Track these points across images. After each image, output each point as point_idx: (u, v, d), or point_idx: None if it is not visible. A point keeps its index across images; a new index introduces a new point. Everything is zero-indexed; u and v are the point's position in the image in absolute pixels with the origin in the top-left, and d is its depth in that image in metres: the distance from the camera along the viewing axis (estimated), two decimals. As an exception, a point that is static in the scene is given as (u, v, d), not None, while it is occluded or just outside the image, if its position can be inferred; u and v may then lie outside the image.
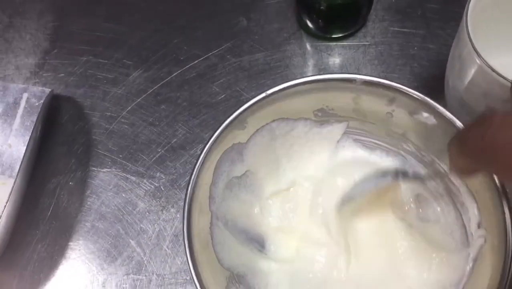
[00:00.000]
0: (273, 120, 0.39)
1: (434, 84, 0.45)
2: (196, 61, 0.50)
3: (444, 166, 0.37)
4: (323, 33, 0.49)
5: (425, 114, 0.36)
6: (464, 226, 0.37)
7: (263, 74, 0.49)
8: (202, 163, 0.35)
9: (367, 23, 0.50)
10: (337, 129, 0.41)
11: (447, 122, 0.35)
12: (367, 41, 0.49)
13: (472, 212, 0.36)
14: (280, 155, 0.41)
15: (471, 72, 0.35)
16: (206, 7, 0.53)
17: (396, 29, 0.49)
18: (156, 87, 0.49)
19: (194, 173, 0.35)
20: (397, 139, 0.40)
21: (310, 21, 0.49)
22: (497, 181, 0.32)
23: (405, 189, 0.39)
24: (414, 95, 0.35)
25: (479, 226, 0.36)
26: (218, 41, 0.51)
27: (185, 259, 0.42)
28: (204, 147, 0.35)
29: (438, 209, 0.38)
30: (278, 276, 0.38)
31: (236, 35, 0.51)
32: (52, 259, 0.44)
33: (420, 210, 0.39)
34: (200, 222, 0.35)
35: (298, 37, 0.50)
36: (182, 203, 0.44)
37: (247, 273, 0.38)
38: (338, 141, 0.41)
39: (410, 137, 0.39)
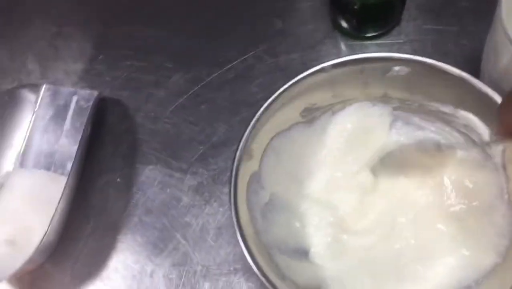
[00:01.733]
0: (271, 139, 0.41)
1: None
2: (234, 62, 0.52)
3: (434, 104, 0.40)
4: (357, 33, 0.51)
5: (396, 68, 0.39)
6: (477, 144, 0.39)
7: (299, 74, 0.50)
8: (235, 207, 0.36)
9: (400, 22, 0.51)
10: (326, 119, 0.43)
11: (417, 63, 0.38)
12: (401, 39, 0.50)
13: (479, 127, 0.38)
14: (291, 167, 0.42)
15: (506, 62, 0.36)
16: (241, 11, 0.55)
17: (430, 26, 0.50)
18: (196, 88, 0.51)
19: (234, 221, 0.36)
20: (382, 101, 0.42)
21: (344, 21, 0.50)
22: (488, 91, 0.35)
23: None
24: (379, 57, 0.39)
25: (491, 137, 0.37)
26: (254, 43, 0.53)
27: (228, 250, 0.44)
28: (230, 192, 0.37)
29: (444, 141, 0.41)
30: (349, 273, 0.39)
31: (271, 37, 0.53)
32: (102, 252, 0.46)
33: None
34: (259, 256, 0.36)
35: (333, 37, 0.52)
36: (225, 197, 0.46)
37: (321, 285, 0.39)
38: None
39: (391, 94, 0.41)
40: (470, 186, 0.40)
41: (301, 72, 0.50)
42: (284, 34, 0.52)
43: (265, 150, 0.41)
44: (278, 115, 0.40)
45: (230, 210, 0.37)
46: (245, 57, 0.52)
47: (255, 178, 0.40)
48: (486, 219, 0.38)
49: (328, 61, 0.50)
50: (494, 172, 0.38)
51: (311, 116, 0.43)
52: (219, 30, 0.54)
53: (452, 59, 0.49)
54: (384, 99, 0.42)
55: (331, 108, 0.43)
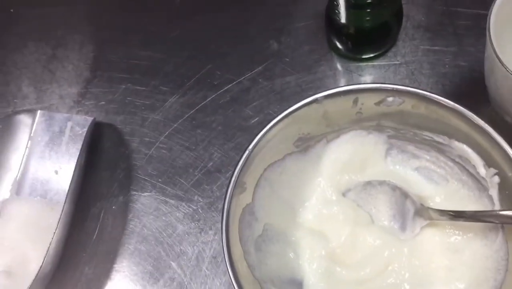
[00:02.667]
0: (265, 170, 0.41)
1: (468, 101, 0.45)
2: (230, 85, 0.52)
3: (428, 134, 0.40)
4: (353, 54, 0.50)
5: (390, 99, 0.38)
6: (472, 175, 0.39)
7: (295, 97, 0.50)
8: (227, 239, 0.36)
9: (397, 42, 0.50)
10: (320, 148, 0.43)
11: (411, 95, 0.38)
12: (398, 60, 0.50)
13: (473, 159, 0.38)
14: (285, 196, 0.42)
15: (505, 84, 0.36)
16: (236, 32, 0.54)
17: (427, 47, 0.50)
18: (191, 112, 0.51)
19: (226, 255, 0.36)
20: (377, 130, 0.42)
21: (340, 43, 0.50)
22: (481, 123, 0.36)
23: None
24: (372, 88, 0.39)
25: (485, 168, 0.37)
26: (250, 65, 0.52)
27: (224, 280, 0.44)
28: (222, 223, 0.37)
29: (439, 170, 0.41)
30: None
31: (267, 58, 0.52)
32: (98, 280, 0.46)
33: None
34: None
35: (329, 59, 0.51)
36: (219, 225, 0.46)
37: None
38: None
39: (385, 123, 0.41)
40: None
41: (297, 95, 0.50)
42: (280, 56, 0.52)
43: (258, 181, 0.41)
44: (271, 146, 0.40)
45: (222, 245, 0.36)
46: (240, 79, 0.52)
47: (249, 210, 0.40)
48: (481, 252, 0.38)
49: (323, 83, 0.50)
50: (489, 204, 0.38)
51: (305, 145, 0.43)
52: (215, 53, 0.53)
53: (449, 81, 0.48)
54: (378, 128, 0.42)
55: (326, 137, 0.43)
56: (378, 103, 0.39)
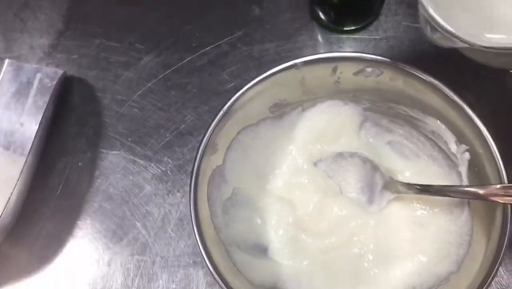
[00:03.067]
0: (238, 133, 0.40)
1: (445, 79, 0.46)
2: (208, 48, 0.50)
3: (403, 108, 0.40)
4: (335, 26, 0.49)
5: (369, 69, 0.38)
6: (443, 151, 0.39)
7: (273, 64, 0.48)
8: (194, 199, 0.36)
9: (379, 17, 0.50)
10: (295, 116, 0.42)
11: (390, 67, 0.37)
12: (379, 35, 0.49)
13: (445, 135, 0.38)
14: (257, 161, 0.42)
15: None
16: (219, -5, 0.53)
17: (408, 24, 0.49)
18: (167, 72, 0.50)
19: (192, 214, 0.35)
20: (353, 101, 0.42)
21: (323, 13, 0.49)
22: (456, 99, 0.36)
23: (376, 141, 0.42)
24: (352, 56, 0.38)
25: (457, 144, 0.38)
26: (230, 29, 0.51)
27: (189, 242, 0.44)
28: (190, 183, 0.36)
29: (411, 145, 0.41)
30: (306, 273, 0.39)
31: (248, 23, 0.51)
32: (60, 236, 0.45)
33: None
34: (216, 253, 0.36)
35: (310, 29, 0.50)
36: (188, 188, 0.45)
37: (277, 282, 0.39)
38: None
39: (361, 95, 0.41)
40: None
41: (275, 63, 0.49)
42: (261, 22, 0.51)
43: (231, 144, 0.40)
44: (246, 109, 0.40)
45: (189, 205, 0.36)
46: (219, 43, 0.50)
47: (219, 172, 0.39)
48: (445, 227, 0.38)
49: (302, 53, 0.49)
50: (457, 181, 0.38)
51: (280, 112, 0.42)
52: (195, 13, 0.52)
53: (428, 58, 0.48)
54: (355, 99, 0.42)
55: (301, 105, 0.42)
56: (356, 73, 0.39)
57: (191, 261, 0.43)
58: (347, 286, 0.38)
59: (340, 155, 0.42)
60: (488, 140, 0.34)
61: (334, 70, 0.39)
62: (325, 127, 0.42)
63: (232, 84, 0.49)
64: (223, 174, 0.40)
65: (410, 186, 0.38)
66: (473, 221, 0.37)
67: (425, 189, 0.37)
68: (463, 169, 0.37)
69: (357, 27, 0.49)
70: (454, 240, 0.37)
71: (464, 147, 0.37)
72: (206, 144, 0.37)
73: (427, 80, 0.37)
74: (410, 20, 0.49)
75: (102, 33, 0.52)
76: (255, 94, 0.39)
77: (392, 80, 0.38)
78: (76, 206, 0.46)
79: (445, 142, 0.38)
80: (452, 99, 0.36)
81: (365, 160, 0.41)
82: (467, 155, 0.37)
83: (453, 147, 0.38)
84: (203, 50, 0.50)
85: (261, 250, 0.40)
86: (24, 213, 0.46)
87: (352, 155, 0.42)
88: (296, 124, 0.42)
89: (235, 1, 0.52)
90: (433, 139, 0.39)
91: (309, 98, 0.42)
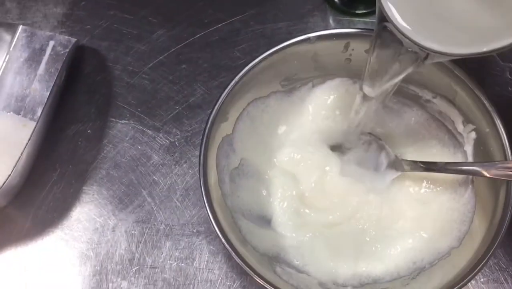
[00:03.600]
0: (248, 104, 0.41)
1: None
2: (220, 25, 0.51)
3: (412, 87, 0.40)
4: (347, 8, 0.50)
5: None
6: (449, 131, 0.40)
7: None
8: (204, 163, 0.36)
9: (391, 2, 0.50)
10: (305, 91, 0.43)
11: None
12: (390, 20, 0.50)
13: (453, 115, 0.39)
14: (264, 134, 0.42)
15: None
16: (234, -27, 0.53)
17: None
18: (178, 46, 0.50)
19: (201, 176, 0.36)
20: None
21: (336, -5, 0.50)
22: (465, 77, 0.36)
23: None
24: (366, 33, 0.38)
25: (464, 124, 0.38)
26: (243, 7, 0.51)
27: (193, 212, 0.44)
28: (201, 147, 0.37)
29: (417, 125, 0.41)
30: (309, 245, 0.39)
31: (261, 3, 0.51)
32: (66, 201, 0.45)
33: None
34: (222, 218, 0.36)
35: (322, 10, 0.51)
36: (196, 159, 0.46)
37: (279, 252, 0.39)
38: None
39: None
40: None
41: (286, 41, 0.49)
42: (273, 1, 0.51)
43: (240, 114, 0.41)
44: (257, 81, 0.40)
45: (199, 169, 0.36)
46: (231, 20, 0.51)
47: (228, 141, 0.40)
48: (448, 205, 0.39)
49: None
50: (462, 159, 0.39)
51: (291, 86, 0.43)
52: (208, -10, 0.52)
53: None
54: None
55: (312, 81, 0.43)
56: (368, 51, 0.39)
57: (194, 230, 0.44)
58: (349, 260, 0.39)
59: (347, 133, 0.42)
60: (495, 119, 0.35)
61: (346, 46, 0.39)
62: (333, 105, 0.43)
63: (243, 61, 0.49)
64: (232, 143, 0.40)
65: (414, 164, 0.39)
66: (476, 199, 0.37)
67: (429, 167, 0.38)
68: (469, 148, 0.38)
69: (369, 10, 0.50)
70: (457, 217, 0.38)
71: (471, 126, 0.37)
72: (218, 112, 0.38)
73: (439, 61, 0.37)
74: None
75: (116, 5, 0.52)
76: (267, 66, 0.39)
77: (401, 54, 0.38)
78: (83, 172, 0.46)
79: (452, 122, 0.39)
80: (462, 79, 0.36)
81: (371, 140, 0.42)
82: (473, 134, 0.37)
83: (459, 126, 0.38)
84: (215, 27, 0.51)
85: (265, 220, 0.40)
86: (32, 176, 0.46)
87: (358, 135, 0.42)
88: (305, 100, 0.43)
89: (249, -20, 0.53)
90: (440, 120, 0.40)
91: (319, 75, 0.42)
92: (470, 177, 0.38)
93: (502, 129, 0.34)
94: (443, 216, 0.38)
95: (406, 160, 0.40)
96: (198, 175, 0.36)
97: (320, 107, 0.43)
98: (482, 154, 0.37)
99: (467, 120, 0.38)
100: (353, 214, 0.40)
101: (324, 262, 0.38)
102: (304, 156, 0.42)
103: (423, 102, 0.41)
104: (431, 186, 0.39)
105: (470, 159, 0.38)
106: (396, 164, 0.40)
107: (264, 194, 0.41)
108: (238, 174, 0.40)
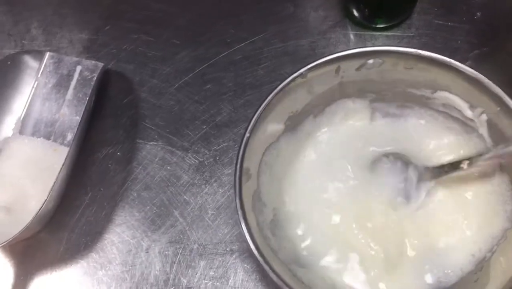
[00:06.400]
0: (263, 154, 0.40)
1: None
2: (243, 44, 0.51)
3: (409, 90, 0.41)
4: (368, 23, 0.51)
5: (370, 61, 0.39)
6: (458, 119, 0.40)
7: (307, 60, 0.50)
8: (248, 231, 0.35)
9: (412, 15, 0.51)
10: (309, 124, 0.43)
11: (389, 53, 0.38)
12: (411, 33, 0.50)
13: (457, 103, 0.39)
14: (281, 178, 0.42)
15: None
16: (253, -7, 0.54)
17: (441, 22, 0.50)
18: (203, 66, 0.51)
19: (250, 243, 0.35)
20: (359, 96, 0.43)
21: (356, 10, 0.50)
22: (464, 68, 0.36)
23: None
24: (353, 53, 0.39)
25: (471, 110, 0.38)
26: (264, 25, 0.52)
27: (225, 231, 0.44)
28: (239, 215, 0.36)
29: (424, 123, 0.42)
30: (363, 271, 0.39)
31: (282, 20, 0.52)
32: (98, 224, 0.46)
33: None
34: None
35: (343, 26, 0.51)
36: (225, 178, 0.46)
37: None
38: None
39: (366, 88, 0.42)
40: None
41: (309, 59, 0.50)
42: (295, 19, 0.52)
43: (259, 166, 0.41)
44: (265, 128, 0.40)
45: (245, 237, 0.36)
46: (253, 39, 0.52)
47: (256, 197, 0.40)
48: (484, 190, 0.39)
49: (336, 49, 0.51)
50: (480, 143, 0.39)
51: (294, 123, 0.43)
52: (230, 11, 0.53)
53: (460, 56, 0.49)
54: (360, 94, 0.42)
55: (312, 112, 0.43)
56: (359, 68, 0.40)
57: (228, 249, 0.44)
58: (415, 278, 0.38)
59: (364, 160, 0.42)
60: (503, 98, 0.35)
61: (337, 70, 0.40)
62: (336, 130, 0.43)
63: (267, 78, 0.50)
64: (260, 197, 0.40)
65: (440, 170, 0.39)
66: (509, 175, 0.38)
67: (457, 167, 0.37)
68: (484, 130, 0.38)
69: (390, 24, 0.50)
70: (497, 199, 0.38)
71: (479, 109, 0.38)
72: (241, 172, 0.37)
73: (428, 56, 0.38)
74: (442, 19, 0.50)
75: (139, 29, 0.53)
76: (270, 113, 0.40)
77: (394, 66, 0.39)
78: (115, 195, 0.47)
79: (459, 111, 0.39)
80: (457, 69, 0.37)
81: (394, 161, 0.42)
82: (484, 116, 0.38)
83: (468, 112, 0.39)
84: (238, 46, 0.51)
85: (314, 261, 0.40)
86: (64, 201, 0.47)
87: (379, 159, 0.42)
88: (310, 133, 0.43)
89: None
90: (445, 112, 0.40)
91: (317, 104, 0.42)
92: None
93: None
94: (484, 202, 0.38)
95: (432, 167, 0.40)
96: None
97: (328, 136, 0.43)
98: (500, 132, 0.37)
99: (473, 106, 0.38)
100: (402, 240, 0.39)
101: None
102: (328, 188, 0.42)
103: (424, 100, 0.41)
104: (461, 180, 0.39)
105: (488, 140, 0.38)
106: (425, 175, 0.40)
107: (303, 234, 0.41)
108: (276, 226, 0.40)
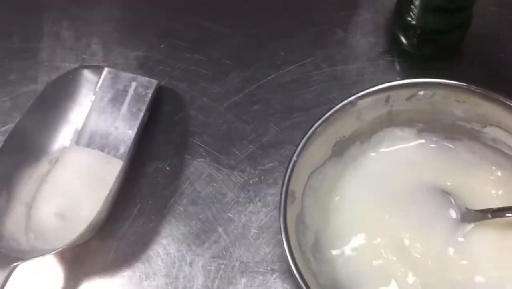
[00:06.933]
0: (309, 178, 0.41)
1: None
2: (292, 66, 0.53)
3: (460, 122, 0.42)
4: (415, 51, 0.51)
5: (421, 93, 0.40)
6: (507, 155, 0.40)
7: (355, 85, 0.51)
8: (290, 252, 0.36)
9: (462, 44, 0.51)
10: (355, 150, 0.44)
11: (441, 86, 0.39)
12: (462, 63, 0.50)
13: (507, 139, 0.40)
14: (328, 202, 0.43)
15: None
16: (304, 17, 0.55)
17: (492, 53, 0.50)
18: (252, 87, 0.52)
19: (292, 264, 0.36)
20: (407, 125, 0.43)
21: (405, 37, 0.51)
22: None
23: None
24: (403, 84, 0.40)
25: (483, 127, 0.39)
26: (313, 49, 0.53)
27: (267, 250, 0.45)
28: (282, 237, 0.37)
29: (473, 156, 0.42)
30: None
31: (331, 45, 0.53)
32: (146, 235, 0.48)
33: None
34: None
35: (393, 53, 0.52)
36: (269, 198, 0.48)
37: None
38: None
39: (415, 117, 0.42)
40: None
41: (358, 84, 0.51)
42: (344, 44, 0.53)
43: (304, 190, 0.42)
44: (312, 153, 0.41)
45: (287, 259, 0.37)
46: (303, 62, 0.53)
47: (300, 220, 0.41)
48: None
49: (385, 76, 0.51)
50: None
51: (341, 149, 0.43)
52: (280, 33, 0.54)
53: (510, 87, 0.49)
54: (409, 123, 0.43)
55: (359, 139, 0.43)
56: (409, 98, 0.40)
57: (269, 268, 0.45)
58: None
59: (409, 190, 0.42)
60: None
61: (387, 100, 0.40)
62: (385, 156, 0.43)
63: (315, 102, 0.51)
64: (304, 220, 0.41)
65: (483, 214, 0.39)
66: None
67: (499, 214, 0.37)
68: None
69: (439, 52, 0.51)
70: None
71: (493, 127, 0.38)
72: (286, 194, 0.38)
73: (479, 91, 0.38)
74: (494, 50, 0.50)
75: (192, 48, 0.55)
76: (318, 138, 0.41)
77: (445, 98, 0.40)
78: (162, 208, 0.48)
79: (509, 147, 0.39)
80: (509, 105, 0.37)
81: (438, 192, 0.42)
82: (496, 129, 0.38)
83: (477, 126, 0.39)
84: (287, 69, 0.53)
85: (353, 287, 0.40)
86: (114, 211, 0.49)
87: (423, 189, 0.42)
88: (356, 158, 0.44)
89: (319, 24, 0.55)
90: (495, 146, 0.40)
91: (365, 131, 0.43)
92: None
93: None
94: None
95: (475, 211, 0.39)
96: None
97: (370, 163, 0.44)
98: None
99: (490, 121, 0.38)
100: (442, 273, 0.40)
101: None
102: (370, 219, 0.42)
103: (474, 133, 0.41)
104: (504, 223, 0.39)
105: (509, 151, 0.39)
106: (466, 217, 0.40)
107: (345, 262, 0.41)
108: (317, 249, 0.41)
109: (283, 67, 0.53)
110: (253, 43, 0.55)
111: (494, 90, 0.38)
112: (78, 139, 0.52)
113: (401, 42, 0.51)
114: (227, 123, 0.51)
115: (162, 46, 0.56)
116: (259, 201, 0.48)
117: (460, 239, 0.39)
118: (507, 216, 0.37)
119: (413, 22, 0.47)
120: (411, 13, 0.47)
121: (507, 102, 0.37)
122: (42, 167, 0.50)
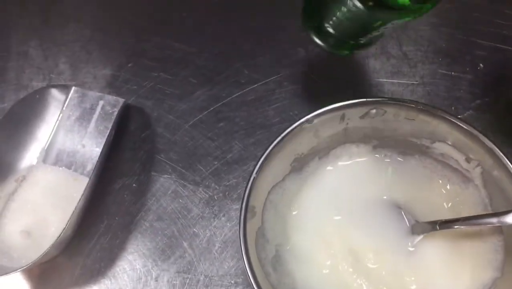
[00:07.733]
0: (269, 192, 0.43)
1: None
2: (255, 85, 0.55)
3: (410, 138, 0.44)
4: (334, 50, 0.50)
5: (373, 111, 0.42)
6: (455, 169, 0.42)
7: (317, 102, 0.53)
8: (250, 266, 0.38)
9: (417, 64, 0.53)
10: (314, 165, 0.45)
11: (391, 105, 0.41)
12: (416, 81, 0.53)
13: (454, 154, 0.42)
14: (287, 216, 0.44)
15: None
16: (268, 37, 0.57)
17: (445, 72, 0.53)
18: (217, 105, 0.54)
19: (250, 278, 0.38)
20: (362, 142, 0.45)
21: (321, 41, 0.50)
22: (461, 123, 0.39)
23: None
24: (356, 102, 0.42)
25: (467, 161, 0.41)
26: (277, 68, 0.55)
27: (231, 264, 0.46)
28: (242, 250, 0.38)
29: (424, 170, 0.44)
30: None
31: (294, 64, 0.55)
32: (112, 251, 0.49)
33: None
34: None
35: (353, 70, 0.54)
36: (233, 213, 0.49)
37: None
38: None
39: (369, 134, 0.44)
40: (460, 206, 0.43)
41: (318, 102, 0.53)
42: (306, 63, 0.55)
43: (264, 204, 0.43)
44: (272, 169, 0.42)
45: (246, 271, 0.38)
46: (266, 81, 0.55)
47: (260, 234, 0.42)
48: (477, 238, 0.40)
49: (345, 94, 0.53)
50: (476, 192, 0.42)
51: (300, 164, 0.45)
52: (245, 53, 0.56)
53: (462, 105, 0.51)
54: (365, 139, 0.45)
55: (317, 155, 0.45)
56: (363, 116, 0.43)
57: (233, 281, 0.46)
58: None
59: (365, 203, 0.44)
60: (496, 152, 0.38)
61: (342, 117, 0.43)
62: (342, 171, 0.45)
63: (277, 119, 0.52)
64: (264, 234, 0.42)
65: (432, 225, 0.41)
66: (501, 227, 0.39)
67: (447, 226, 0.39)
68: (479, 182, 0.41)
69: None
70: (489, 248, 0.40)
71: (475, 162, 0.40)
72: (246, 210, 0.39)
73: (426, 109, 0.40)
74: (446, 69, 0.53)
75: (159, 67, 0.57)
76: (277, 155, 0.42)
77: (396, 116, 0.42)
78: (129, 224, 0.49)
79: (456, 161, 0.42)
80: (453, 122, 0.40)
81: (391, 205, 0.44)
82: (479, 169, 0.40)
83: (464, 164, 0.41)
84: (251, 87, 0.55)
85: None
86: (81, 228, 0.49)
87: (377, 202, 0.44)
88: (315, 172, 0.46)
89: (283, 43, 0.57)
90: (444, 161, 0.43)
91: (323, 147, 0.45)
92: (489, 206, 0.41)
93: (507, 161, 0.38)
94: (475, 251, 0.40)
95: (424, 223, 0.41)
96: (246, 276, 0.38)
97: (332, 178, 0.45)
98: (494, 185, 0.40)
99: (468, 157, 0.41)
100: (397, 282, 0.41)
101: None
102: (325, 232, 0.44)
103: (424, 149, 0.43)
104: (454, 232, 0.41)
105: (483, 192, 0.41)
106: (416, 228, 0.42)
107: (301, 274, 0.42)
108: (277, 261, 0.42)
109: (247, 85, 0.55)
110: (218, 62, 0.56)
111: (440, 108, 0.40)
112: (45, 157, 0.53)
113: (318, 44, 0.51)
114: (193, 141, 0.53)
115: (129, 65, 0.57)
116: (224, 216, 0.49)
117: (411, 249, 0.41)
118: (454, 228, 0.39)
119: (332, 31, 0.47)
120: (330, 22, 0.47)
121: (450, 118, 0.39)
122: (9, 185, 0.51)
